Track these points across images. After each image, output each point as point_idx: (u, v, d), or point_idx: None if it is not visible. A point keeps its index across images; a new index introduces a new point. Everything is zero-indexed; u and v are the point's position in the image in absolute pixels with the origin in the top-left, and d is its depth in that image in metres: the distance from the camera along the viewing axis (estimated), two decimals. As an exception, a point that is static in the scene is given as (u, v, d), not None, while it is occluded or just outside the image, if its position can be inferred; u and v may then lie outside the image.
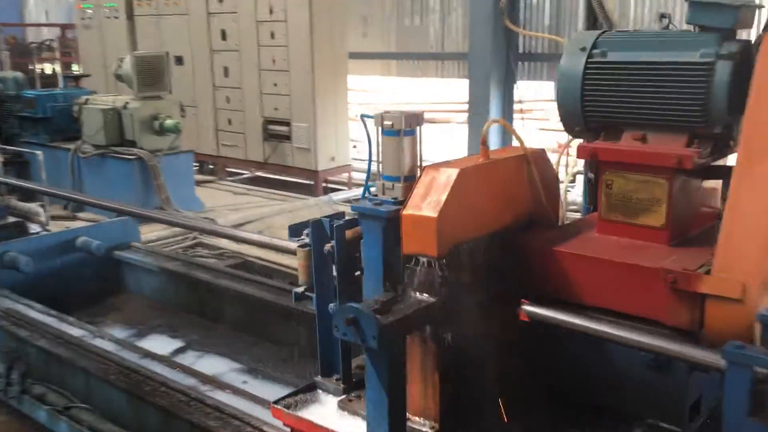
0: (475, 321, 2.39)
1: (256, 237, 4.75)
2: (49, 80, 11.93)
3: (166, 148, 7.36)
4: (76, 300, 5.02)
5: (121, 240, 5.83)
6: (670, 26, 2.72)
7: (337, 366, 2.61)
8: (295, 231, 2.68)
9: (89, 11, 11.48)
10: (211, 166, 10.08)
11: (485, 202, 2.47)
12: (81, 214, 7.40)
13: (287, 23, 9.18)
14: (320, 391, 2.68)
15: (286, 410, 2.62)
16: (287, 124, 9.55)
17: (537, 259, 2.51)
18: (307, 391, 2.68)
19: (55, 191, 6.25)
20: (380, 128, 2.39)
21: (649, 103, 2.50)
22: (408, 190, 2.37)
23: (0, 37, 12.62)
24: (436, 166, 2.39)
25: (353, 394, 2.57)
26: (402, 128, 2.40)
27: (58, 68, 14.18)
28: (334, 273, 2.52)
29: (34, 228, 6.04)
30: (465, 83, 8.63)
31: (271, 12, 9.27)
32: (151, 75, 7.37)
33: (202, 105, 9.81)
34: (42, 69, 13.96)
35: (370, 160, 2.42)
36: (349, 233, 2.55)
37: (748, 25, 2.52)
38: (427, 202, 2.31)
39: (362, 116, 2.66)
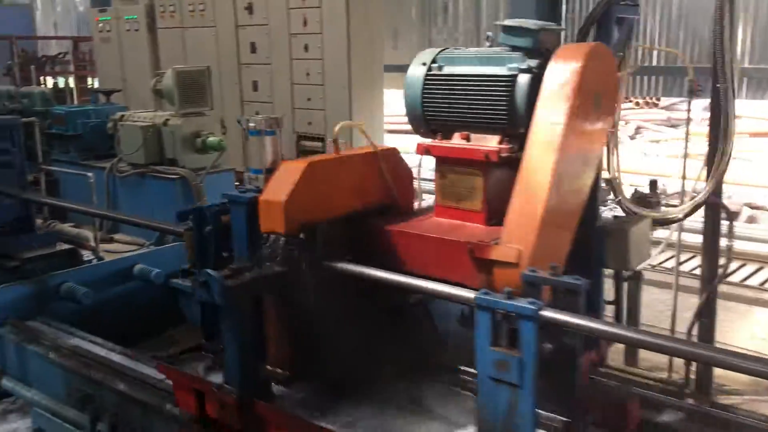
0: (322, 289, 2.96)
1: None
2: (62, 94, 11.57)
3: (209, 167, 6.99)
4: (134, 332, 5.03)
5: (177, 266, 5.46)
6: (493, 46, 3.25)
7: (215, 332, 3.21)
8: (181, 216, 3.39)
9: (108, 24, 11.11)
10: (236, 183, 9.73)
11: (333, 191, 3.11)
12: (117, 236, 7.02)
13: (323, 36, 8.89)
14: (203, 352, 3.38)
15: (168, 366, 3.42)
16: (321, 139, 9.22)
17: (375, 237, 3.13)
18: (193, 351, 3.54)
19: (118, 215, 5.95)
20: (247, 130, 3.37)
21: (470, 108, 3.13)
22: (268, 180, 3.01)
23: (14, 50, 12.20)
24: (291, 161, 3.09)
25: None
26: (263, 129, 3.68)
27: (71, 82, 13.79)
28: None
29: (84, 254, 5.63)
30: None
31: (305, 24, 9.05)
32: (193, 90, 7.22)
33: (230, 119, 9.68)
34: (55, 83, 13.57)
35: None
36: (225, 218, 3.19)
37: (552, 45, 3.04)
38: (278, 189, 2.93)
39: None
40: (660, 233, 5.95)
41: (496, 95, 3.02)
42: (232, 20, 10.61)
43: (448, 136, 3.24)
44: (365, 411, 2.96)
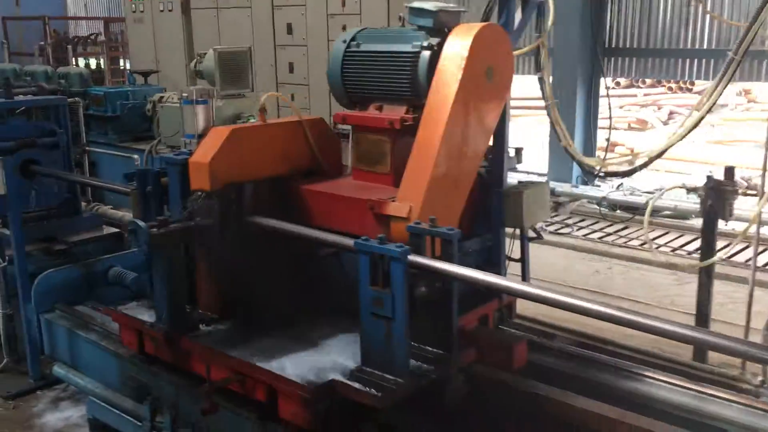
0: (245, 241, 3.39)
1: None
2: (101, 75, 11.44)
3: None
4: None
5: None
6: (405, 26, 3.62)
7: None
8: (128, 177, 3.94)
9: (141, 4, 10.95)
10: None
11: (258, 155, 3.50)
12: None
13: (361, 16, 8.62)
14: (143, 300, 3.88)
15: (115, 310, 3.82)
16: (357, 121, 8.98)
17: (294, 197, 3.55)
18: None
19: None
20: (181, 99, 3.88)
21: (381, 82, 3.51)
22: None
23: (47, 31, 12.10)
24: (219, 127, 3.50)
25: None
26: (194, 99, 3.97)
27: (102, 63, 13.68)
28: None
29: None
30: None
31: (343, 5, 8.75)
32: (234, 71, 7.10)
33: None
34: (86, 64, 13.49)
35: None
36: (164, 180, 3.60)
37: (452, 24, 3.37)
38: (205, 152, 3.34)
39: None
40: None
41: (402, 70, 3.41)
42: (269, 1, 10.42)
43: (365, 106, 3.62)
44: (269, 343, 3.34)
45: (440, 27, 3.37)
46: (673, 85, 19.24)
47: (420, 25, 3.42)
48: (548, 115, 7.59)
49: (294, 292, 3.61)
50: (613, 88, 18.71)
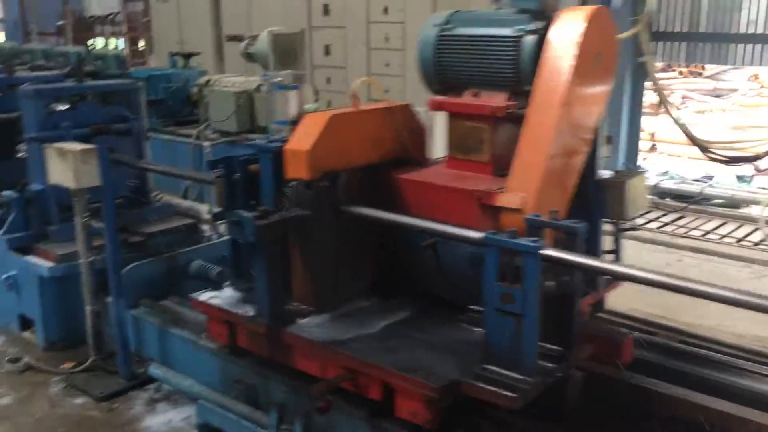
0: (344, 231, 3.33)
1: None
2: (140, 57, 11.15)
3: None
4: None
5: None
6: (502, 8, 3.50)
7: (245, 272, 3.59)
8: (212, 165, 3.57)
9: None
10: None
11: (353, 142, 3.37)
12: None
13: (405, -1, 8.41)
14: (227, 289, 3.70)
15: (199, 299, 3.64)
16: (399, 108, 8.72)
17: (390, 186, 3.42)
18: (218, 288, 3.73)
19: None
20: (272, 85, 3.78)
21: (479, 67, 3.37)
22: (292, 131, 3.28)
23: (66, 10, 11.71)
24: (314, 113, 3.39)
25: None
26: (290, 84, 3.98)
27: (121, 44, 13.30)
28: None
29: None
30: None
31: (386, -14, 8.52)
32: (288, 54, 6.75)
33: (298, 84, 9.10)
34: (106, 44, 13.11)
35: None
36: (253, 167, 3.46)
37: (555, 8, 3.24)
38: (302, 139, 3.21)
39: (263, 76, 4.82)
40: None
41: (503, 55, 3.27)
42: (304, -20, 10.12)
43: (459, 93, 3.48)
44: (373, 337, 3.21)
45: (545, 10, 3.24)
46: (684, 69, 19.05)
47: (522, 8, 3.29)
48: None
49: (388, 283, 3.55)
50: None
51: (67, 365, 4.64)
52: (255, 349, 3.52)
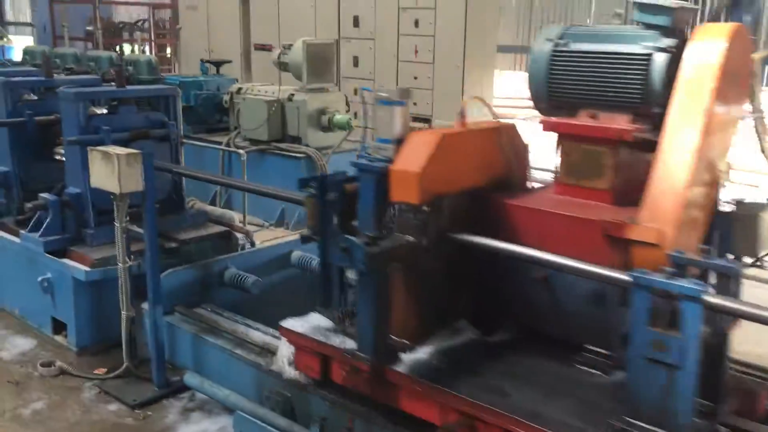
0: (445, 259, 3.08)
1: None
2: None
3: (336, 147, 6.59)
4: None
5: None
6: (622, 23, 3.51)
7: (334, 297, 3.38)
8: (303, 183, 3.35)
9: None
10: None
11: (460, 164, 3.13)
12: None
13: (436, 11, 8.41)
14: (316, 317, 3.45)
15: (289, 328, 3.40)
16: (427, 120, 8.75)
17: (497, 212, 3.18)
18: (305, 316, 3.46)
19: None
20: (377, 100, 3.13)
21: (600, 86, 3.15)
22: (398, 151, 3.07)
23: (95, 15, 11.79)
24: (421, 131, 3.13)
25: (347, 321, 3.31)
26: (396, 99, 3.08)
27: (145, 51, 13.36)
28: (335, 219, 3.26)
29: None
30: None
31: (417, -1, 8.52)
32: (321, 64, 6.75)
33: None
34: (133, 50, 13.18)
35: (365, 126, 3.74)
36: (349, 187, 3.26)
37: (686, 25, 3.09)
38: (411, 160, 2.98)
39: (362, 89, 4.27)
40: None
41: (631, 74, 3.05)
42: (336, -8, 10.14)
43: (572, 113, 3.26)
44: (488, 379, 2.98)
45: (677, 27, 3.03)
46: None
47: (650, 24, 3.06)
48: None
49: (488, 316, 3.29)
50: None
51: (100, 371, 4.60)
52: (352, 385, 3.23)
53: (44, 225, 4.95)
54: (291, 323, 3.44)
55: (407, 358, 3.08)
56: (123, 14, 17.19)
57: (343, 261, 2.85)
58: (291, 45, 7.53)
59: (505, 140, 3.38)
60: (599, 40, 3.21)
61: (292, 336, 3.41)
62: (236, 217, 5.85)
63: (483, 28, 9.24)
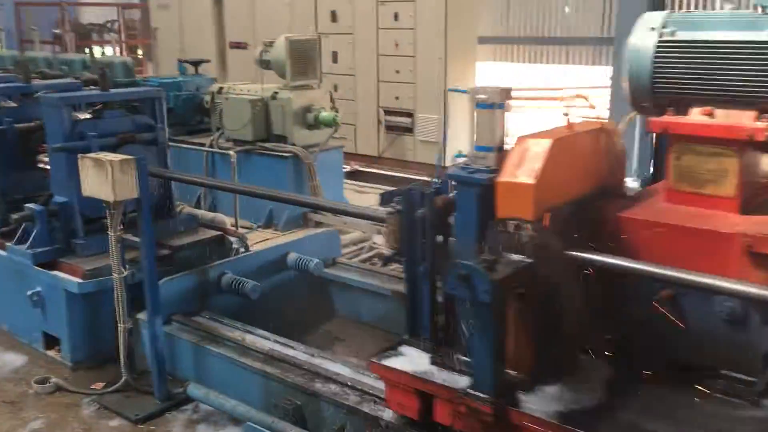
0: (561, 281, 2.70)
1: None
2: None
3: (322, 144, 6.49)
4: (289, 328, 4.65)
5: (325, 255, 4.99)
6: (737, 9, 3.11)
7: (424, 325, 3.00)
8: (386, 199, 3.02)
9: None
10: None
11: (571, 171, 2.82)
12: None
13: (416, 4, 8.44)
14: (406, 348, 3.02)
15: (383, 364, 2.95)
16: (409, 115, 8.69)
17: (610, 226, 2.83)
18: (394, 348, 3.04)
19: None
20: (474, 102, 2.75)
21: (718, 80, 2.77)
22: (500, 159, 2.72)
23: (65, 16, 11.50)
24: (529, 136, 2.75)
25: (441, 351, 2.93)
26: (496, 102, 2.73)
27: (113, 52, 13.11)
28: (424, 238, 2.90)
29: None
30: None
31: (396, -8, 8.49)
32: (304, 61, 6.63)
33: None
34: (103, 52, 12.90)
35: (445, 132, 4.57)
36: (440, 201, 2.91)
37: None
38: (522, 170, 2.64)
39: (450, 90, 4.61)
40: None
41: (755, 65, 2.68)
42: (311, -12, 10.01)
43: (681, 111, 2.90)
44: (617, 418, 2.62)
45: None
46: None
47: None
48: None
49: (615, 343, 2.91)
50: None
51: (98, 386, 4.42)
52: (465, 428, 2.81)
53: (32, 236, 4.75)
54: (383, 359, 2.98)
55: (531, 397, 2.70)
56: (89, 15, 16.81)
57: (460, 291, 2.46)
58: (272, 42, 7.37)
59: (607, 142, 3.06)
60: (715, 28, 2.83)
61: (384, 372, 2.99)
62: (227, 220, 5.71)
63: (464, 20, 9.19)
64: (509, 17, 10.99)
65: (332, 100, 7.58)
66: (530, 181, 2.59)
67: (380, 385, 3.59)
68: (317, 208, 6.60)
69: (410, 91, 9.48)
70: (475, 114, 2.74)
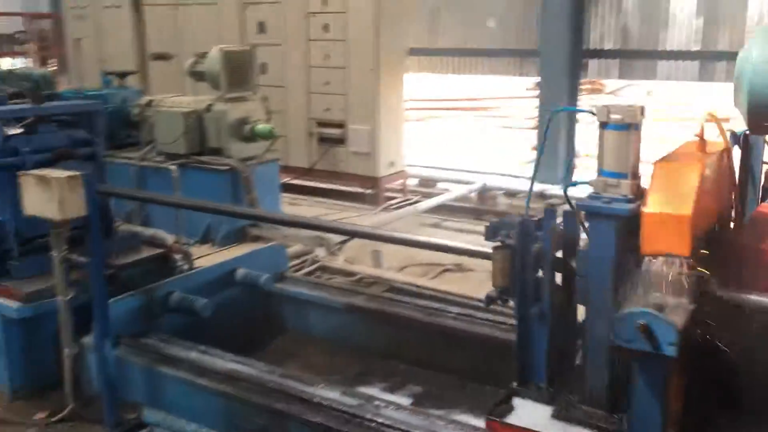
0: (716, 323, 2.40)
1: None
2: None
3: (259, 156, 6.43)
4: (238, 344, 4.49)
5: (272, 269, 4.95)
6: None
7: (538, 372, 2.73)
8: (492, 231, 2.72)
9: (83, -1, 10.23)
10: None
11: (708, 199, 2.52)
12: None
13: (346, 15, 8.37)
14: (519, 400, 2.71)
15: (502, 421, 2.59)
16: (341, 126, 8.68)
17: (750, 257, 2.50)
18: (506, 401, 2.72)
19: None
20: (604, 122, 2.46)
21: None
22: (635, 187, 2.46)
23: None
24: (670, 160, 2.49)
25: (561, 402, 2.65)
26: (632, 123, 2.44)
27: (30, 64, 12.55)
28: (538, 275, 2.63)
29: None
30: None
31: (325, 3, 8.37)
32: (239, 73, 6.50)
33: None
34: (12, 64, 12.32)
35: (539, 159, 3.64)
36: (558, 234, 2.64)
37: None
38: (674, 199, 2.34)
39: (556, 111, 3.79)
40: None
41: None
42: (238, -3, 9.85)
43: None
44: None
45: None
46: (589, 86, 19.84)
47: None
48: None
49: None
50: (534, 88, 19.32)
51: (41, 415, 4.17)
52: None
53: (-38, 260, 4.47)
54: (502, 415, 2.62)
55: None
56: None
57: (639, 344, 2.12)
58: (205, 53, 7.22)
59: (728, 165, 2.81)
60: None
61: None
62: (169, 237, 5.52)
63: (394, 31, 9.24)
64: (436, 29, 11.14)
65: (268, 111, 7.48)
66: (687, 212, 2.28)
67: (349, 401, 3.59)
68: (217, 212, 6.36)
69: (341, 103, 9.47)
70: (605, 135, 2.46)
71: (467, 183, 9.96)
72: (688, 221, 2.26)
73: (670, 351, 2.10)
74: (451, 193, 9.54)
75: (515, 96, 18.71)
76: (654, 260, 2.29)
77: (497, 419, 2.59)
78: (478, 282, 6.52)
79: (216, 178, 7.01)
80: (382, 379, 4.65)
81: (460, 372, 4.60)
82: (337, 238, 6.90)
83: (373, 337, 4.90)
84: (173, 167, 6.63)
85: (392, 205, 9.37)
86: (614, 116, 2.41)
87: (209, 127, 7.14)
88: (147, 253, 5.06)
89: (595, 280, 2.48)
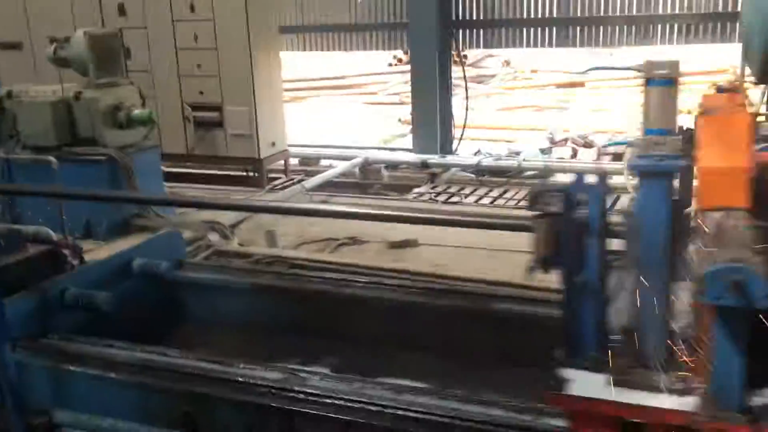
0: None
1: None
2: None
3: (138, 144, 6.23)
4: (142, 336, 4.32)
5: (171, 257, 4.88)
6: None
7: (588, 342, 2.60)
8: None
9: None
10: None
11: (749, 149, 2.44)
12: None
13: (213, -7, 8.20)
14: (570, 371, 2.54)
15: (571, 394, 2.44)
16: (217, 109, 8.52)
17: None
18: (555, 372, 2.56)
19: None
20: (649, 78, 2.38)
21: None
22: (678, 143, 2.39)
23: None
24: (715, 113, 2.40)
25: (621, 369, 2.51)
26: (677, 76, 2.38)
27: None
28: (586, 242, 2.51)
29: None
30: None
31: (190, -19, 8.24)
32: (108, 57, 6.24)
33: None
34: None
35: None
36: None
37: None
38: (726, 151, 2.29)
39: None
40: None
41: None
42: (91, -21, 9.33)
43: None
44: None
45: None
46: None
47: None
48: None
49: None
50: (396, 64, 19.66)
51: (-65, 433, 3.87)
52: None
53: None
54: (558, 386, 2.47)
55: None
56: None
57: (729, 300, 2.04)
58: (68, 38, 6.81)
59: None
60: None
61: (569, 403, 2.45)
62: (52, 233, 5.19)
63: (265, 9, 9.08)
64: (306, 6, 11.06)
65: (142, 96, 7.17)
66: (742, 163, 2.25)
67: (273, 375, 3.56)
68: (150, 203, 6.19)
69: (215, 85, 9.21)
70: (648, 92, 2.38)
71: (349, 159, 10.06)
72: (745, 173, 2.24)
73: (765, 304, 2.03)
74: (334, 169, 9.58)
75: (379, 72, 19.00)
76: (712, 215, 2.25)
77: (559, 393, 2.44)
78: (374, 253, 6.62)
79: (93, 169, 6.75)
80: (297, 355, 4.63)
81: (374, 339, 4.67)
82: (229, 221, 6.80)
83: (284, 314, 4.87)
84: (52, 159, 6.24)
85: (277, 186, 9.30)
86: (660, 72, 2.36)
87: (80, 116, 6.87)
88: (33, 251, 4.75)
89: (650, 241, 2.41)
